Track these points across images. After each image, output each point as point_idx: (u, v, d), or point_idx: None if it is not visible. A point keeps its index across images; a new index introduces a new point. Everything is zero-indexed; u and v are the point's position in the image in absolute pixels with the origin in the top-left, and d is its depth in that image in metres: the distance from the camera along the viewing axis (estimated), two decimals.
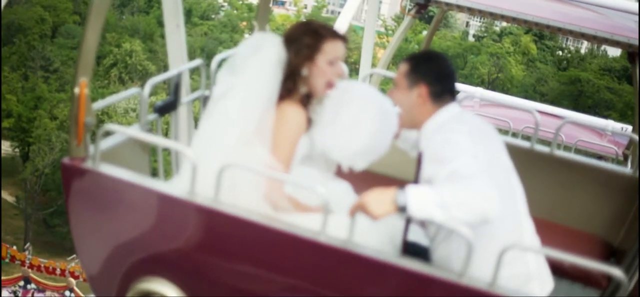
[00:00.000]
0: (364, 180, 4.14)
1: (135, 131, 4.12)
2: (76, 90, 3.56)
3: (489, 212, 3.11)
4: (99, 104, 3.87)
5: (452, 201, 3.09)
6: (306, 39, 3.86)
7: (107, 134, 3.88)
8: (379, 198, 3.22)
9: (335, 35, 3.90)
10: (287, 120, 3.79)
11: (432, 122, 3.64)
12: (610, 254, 5.23)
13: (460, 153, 3.28)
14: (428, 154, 3.47)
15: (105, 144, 3.89)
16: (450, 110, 3.65)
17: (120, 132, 3.86)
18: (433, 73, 3.67)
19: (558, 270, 3.61)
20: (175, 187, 3.69)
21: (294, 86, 3.86)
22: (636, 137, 6.04)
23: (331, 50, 3.87)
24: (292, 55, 3.86)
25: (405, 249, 3.71)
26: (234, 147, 3.69)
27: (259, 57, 3.88)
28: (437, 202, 3.11)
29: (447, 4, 7.02)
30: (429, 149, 3.49)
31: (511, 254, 3.18)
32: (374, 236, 3.61)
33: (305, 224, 3.46)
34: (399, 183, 3.29)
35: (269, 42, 3.94)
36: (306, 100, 3.96)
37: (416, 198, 3.15)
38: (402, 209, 3.17)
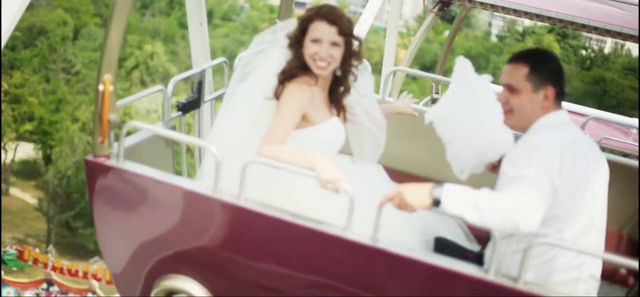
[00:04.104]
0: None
1: (159, 128, 4.11)
2: (100, 87, 3.57)
3: (522, 227, 3.08)
4: (123, 101, 3.87)
5: (486, 205, 3.09)
6: (299, 24, 3.88)
7: (131, 131, 3.89)
8: (416, 190, 3.21)
9: (320, 15, 3.84)
10: (285, 96, 3.77)
11: (540, 123, 3.55)
12: (637, 252, 5.17)
13: (534, 164, 3.25)
14: (512, 150, 3.44)
15: (128, 141, 3.90)
16: (560, 116, 3.57)
17: (145, 129, 3.86)
18: (556, 72, 3.58)
19: None
20: (200, 183, 3.68)
21: (296, 68, 3.85)
22: None
23: (313, 30, 3.83)
24: (291, 39, 3.90)
25: (463, 256, 3.65)
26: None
27: (275, 47, 3.95)
28: (471, 202, 3.11)
29: (470, 1, 6.98)
30: (516, 145, 3.45)
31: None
32: (404, 231, 3.59)
33: (331, 219, 3.42)
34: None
35: (282, 30, 3.98)
36: (337, 84, 3.99)
37: (452, 195, 3.14)
38: (436, 203, 3.15)
